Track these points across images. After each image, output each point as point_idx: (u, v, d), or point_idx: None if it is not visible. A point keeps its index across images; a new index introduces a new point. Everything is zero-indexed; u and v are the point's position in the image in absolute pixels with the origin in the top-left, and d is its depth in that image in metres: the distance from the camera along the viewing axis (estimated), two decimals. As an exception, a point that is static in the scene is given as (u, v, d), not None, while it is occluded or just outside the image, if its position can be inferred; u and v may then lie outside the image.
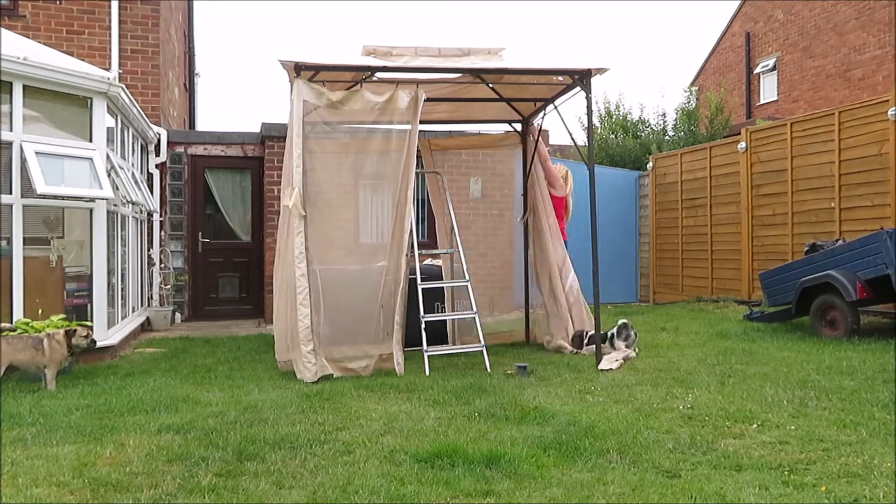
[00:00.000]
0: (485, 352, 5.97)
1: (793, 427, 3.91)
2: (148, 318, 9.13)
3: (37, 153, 5.92)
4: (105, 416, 4.38)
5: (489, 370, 5.78)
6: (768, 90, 22.00)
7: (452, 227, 6.76)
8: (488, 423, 4.14)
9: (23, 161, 5.88)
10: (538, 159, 7.31)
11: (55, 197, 6.21)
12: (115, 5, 9.84)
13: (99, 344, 6.38)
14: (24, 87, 6.02)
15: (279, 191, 9.74)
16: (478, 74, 6.58)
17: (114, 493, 3.07)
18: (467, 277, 6.31)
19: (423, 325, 5.98)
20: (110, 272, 6.98)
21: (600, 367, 5.75)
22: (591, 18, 58.62)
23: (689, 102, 15.72)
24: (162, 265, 9.91)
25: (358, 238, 7.21)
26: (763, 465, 3.32)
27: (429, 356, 5.81)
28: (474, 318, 6.20)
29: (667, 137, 15.27)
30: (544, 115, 7.33)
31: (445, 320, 7.08)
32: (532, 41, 57.19)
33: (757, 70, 22.26)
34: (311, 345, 5.56)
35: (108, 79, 6.62)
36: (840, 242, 7.35)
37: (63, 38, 9.58)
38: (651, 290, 12.08)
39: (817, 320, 7.11)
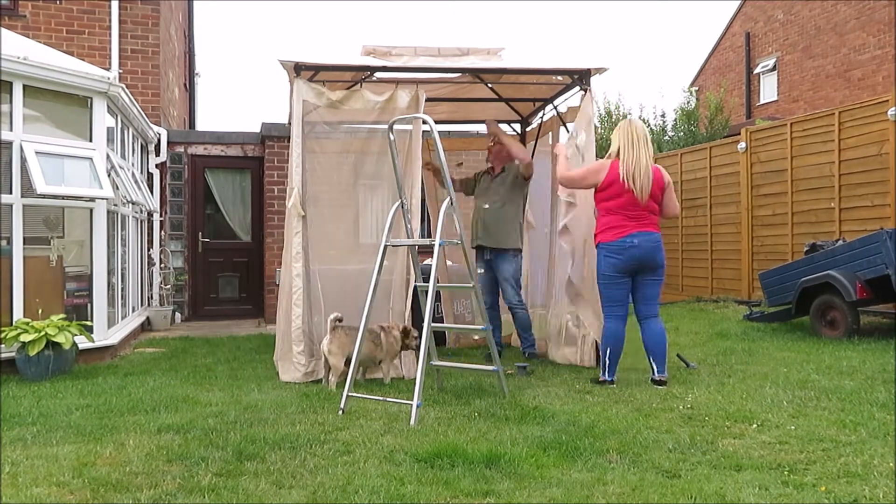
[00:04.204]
0: (502, 377, 4.96)
1: (793, 427, 3.91)
2: (148, 318, 9.13)
3: (37, 153, 5.92)
4: (105, 415, 4.37)
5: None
6: (768, 90, 22.01)
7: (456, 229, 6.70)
8: (488, 422, 4.14)
9: (23, 161, 5.88)
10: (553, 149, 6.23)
11: (55, 197, 6.21)
12: (115, 5, 9.85)
13: (99, 344, 6.40)
14: (25, 86, 6.02)
15: (279, 190, 9.79)
16: (477, 74, 6.58)
17: (114, 493, 3.06)
18: (472, 282, 5.36)
19: (423, 333, 5.80)
20: (110, 272, 6.98)
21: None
22: (591, 18, 58.65)
23: (688, 102, 15.74)
24: (162, 265, 9.91)
25: (358, 238, 7.19)
26: (763, 465, 3.32)
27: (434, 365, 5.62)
28: (486, 331, 5.08)
29: (666, 137, 15.29)
30: (543, 115, 7.32)
31: (441, 319, 7.01)
32: (532, 41, 57.23)
33: (757, 70, 22.26)
34: (303, 345, 5.56)
35: (108, 79, 6.62)
36: (840, 242, 7.35)
37: (63, 38, 9.59)
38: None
39: (817, 320, 7.11)
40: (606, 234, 5.16)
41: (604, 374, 5.17)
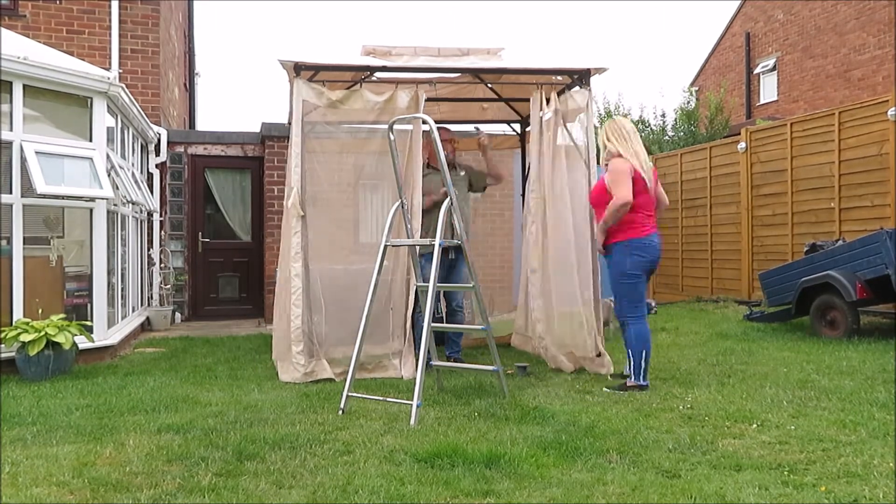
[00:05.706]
0: (502, 377, 4.96)
1: (793, 427, 3.91)
2: (148, 318, 9.13)
3: (37, 153, 5.92)
4: (105, 415, 4.38)
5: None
6: (768, 90, 22.02)
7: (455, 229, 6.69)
8: (488, 422, 4.14)
9: (23, 161, 5.88)
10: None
11: (55, 197, 6.21)
12: (115, 5, 9.84)
13: (99, 344, 6.40)
14: (25, 86, 6.02)
15: (279, 190, 9.77)
16: (477, 74, 6.59)
17: (114, 493, 3.07)
18: (472, 282, 5.21)
19: (423, 333, 5.80)
20: (110, 272, 6.98)
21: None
22: (591, 18, 58.66)
23: (688, 102, 15.75)
24: (162, 265, 9.91)
25: (358, 238, 7.18)
26: (763, 465, 3.32)
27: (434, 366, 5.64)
28: (487, 331, 4.98)
29: (666, 137, 15.30)
30: (543, 115, 7.30)
31: (442, 318, 6.98)
32: (532, 41, 57.23)
33: (757, 70, 22.26)
34: (302, 345, 5.55)
35: (108, 78, 6.62)
36: (840, 242, 7.35)
37: (63, 38, 9.58)
38: (651, 290, 12.07)
39: (817, 320, 7.11)
40: (630, 231, 4.89)
41: (638, 377, 4.91)
